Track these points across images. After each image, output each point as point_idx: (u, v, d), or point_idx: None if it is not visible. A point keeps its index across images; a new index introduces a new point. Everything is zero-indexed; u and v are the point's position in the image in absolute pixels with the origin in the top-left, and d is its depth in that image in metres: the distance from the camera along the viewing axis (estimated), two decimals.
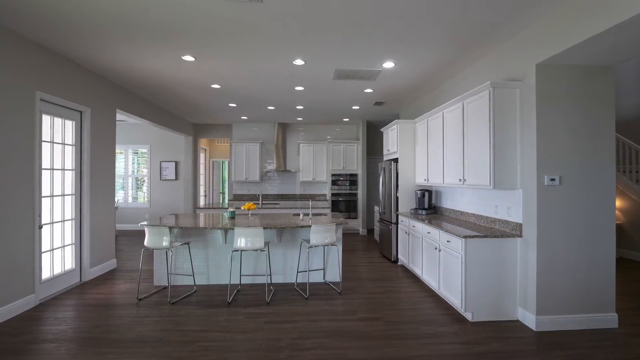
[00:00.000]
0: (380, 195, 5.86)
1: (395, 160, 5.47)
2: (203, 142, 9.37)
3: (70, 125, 4.24)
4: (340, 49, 3.67)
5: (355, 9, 2.81)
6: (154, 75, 4.62)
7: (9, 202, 3.24)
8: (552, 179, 3.03)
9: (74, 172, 4.29)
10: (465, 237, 3.22)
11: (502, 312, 3.26)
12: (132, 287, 4.21)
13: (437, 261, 3.84)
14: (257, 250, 3.74)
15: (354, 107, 6.61)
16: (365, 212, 8.20)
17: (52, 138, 3.93)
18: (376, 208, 7.10)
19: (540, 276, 3.04)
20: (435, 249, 3.83)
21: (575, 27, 2.60)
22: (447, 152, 4.17)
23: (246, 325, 3.14)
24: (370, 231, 8.38)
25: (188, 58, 3.95)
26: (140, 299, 3.79)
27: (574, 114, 3.06)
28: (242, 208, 4.43)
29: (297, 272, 4.25)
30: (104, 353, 2.62)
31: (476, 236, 3.22)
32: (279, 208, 6.31)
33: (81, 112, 4.38)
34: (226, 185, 12.37)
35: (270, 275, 3.83)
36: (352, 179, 8.15)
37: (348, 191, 8.15)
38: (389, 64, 4.13)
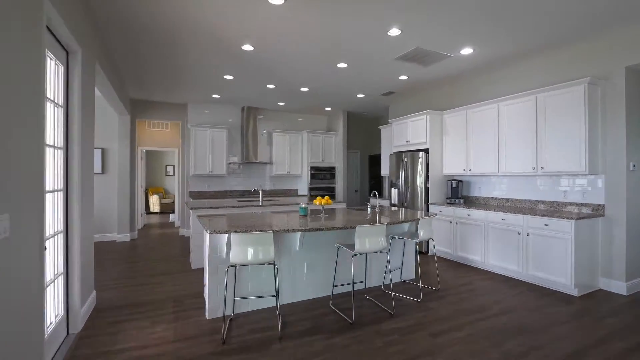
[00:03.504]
0: (401, 186, 5.72)
1: (423, 150, 5.44)
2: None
3: (60, 72, 2.48)
4: (452, 24, 3.35)
5: None
6: (169, 18, 3.19)
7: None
8: (634, 165, 3.57)
9: (62, 151, 2.54)
10: (577, 219, 3.45)
11: (590, 284, 3.64)
12: (169, 327, 2.79)
13: (517, 245, 3.99)
14: (377, 252, 3.06)
15: (358, 95, 6.24)
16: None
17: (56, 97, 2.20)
18: (380, 201, 6.91)
19: (629, 248, 3.54)
20: (519, 233, 3.98)
21: None
22: (508, 142, 4.39)
23: (421, 344, 2.51)
24: None
25: None
26: (224, 342, 2.55)
27: None
28: (314, 202, 3.56)
29: (385, 273, 3.69)
30: None
31: (581, 218, 3.50)
32: (281, 204, 5.37)
33: (68, 53, 2.62)
34: (164, 180, 11.20)
35: (365, 281, 3.19)
36: (330, 172, 7.71)
37: (324, 185, 7.66)
38: (467, 50, 4.04)
